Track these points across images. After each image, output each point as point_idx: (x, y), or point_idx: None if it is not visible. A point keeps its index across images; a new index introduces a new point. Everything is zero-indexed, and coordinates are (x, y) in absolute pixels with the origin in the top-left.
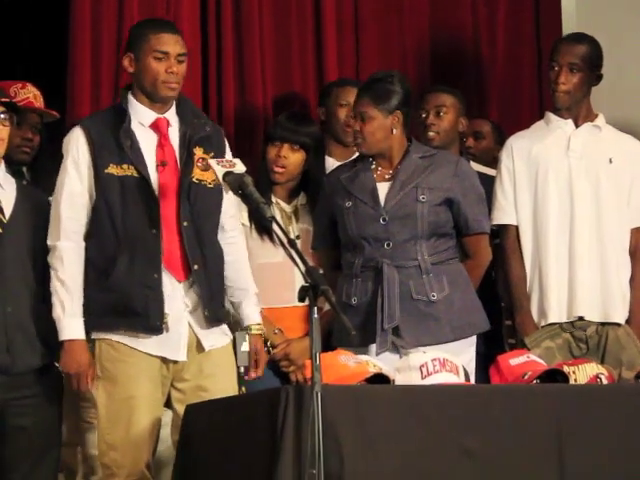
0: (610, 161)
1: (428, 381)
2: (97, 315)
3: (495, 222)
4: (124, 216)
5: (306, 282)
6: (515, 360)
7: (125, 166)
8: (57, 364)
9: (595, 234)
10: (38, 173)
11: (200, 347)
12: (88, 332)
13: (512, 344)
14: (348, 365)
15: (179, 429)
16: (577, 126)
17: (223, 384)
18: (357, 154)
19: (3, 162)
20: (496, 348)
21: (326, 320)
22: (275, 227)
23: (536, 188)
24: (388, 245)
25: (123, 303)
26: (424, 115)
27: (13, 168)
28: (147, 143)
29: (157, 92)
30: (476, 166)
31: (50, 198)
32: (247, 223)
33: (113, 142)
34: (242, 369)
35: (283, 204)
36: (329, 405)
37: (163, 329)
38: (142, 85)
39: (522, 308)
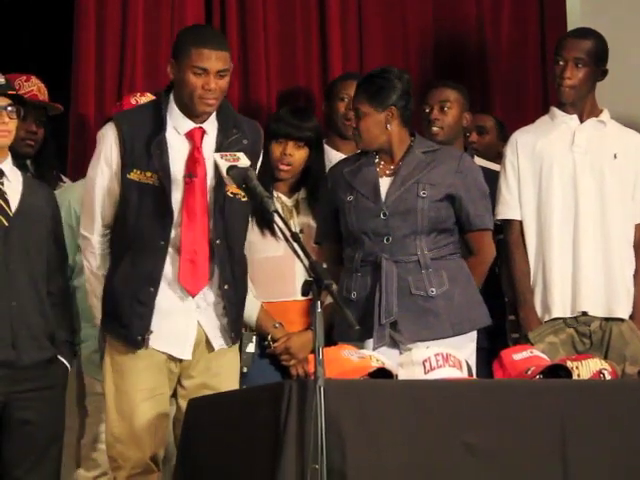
0: (615, 156)
1: (431, 376)
2: (103, 312)
3: (499, 217)
4: (136, 223)
5: (309, 276)
6: (518, 355)
7: (149, 174)
8: (61, 357)
9: (599, 229)
10: (42, 166)
11: (210, 346)
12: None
13: (515, 339)
14: (351, 359)
15: (181, 424)
16: (582, 121)
17: (228, 384)
18: None
19: (10, 155)
20: (499, 343)
21: (327, 313)
22: (278, 221)
23: (540, 183)
24: (388, 240)
25: (113, 310)
26: (428, 110)
27: (17, 161)
28: (179, 152)
29: (193, 106)
30: (480, 161)
31: (55, 192)
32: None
33: (143, 147)
34: (245, 369)
35: (284, 198)
36: (332, 400)
37: (143, 345)
38: (180, 95)
39: (526, 303)
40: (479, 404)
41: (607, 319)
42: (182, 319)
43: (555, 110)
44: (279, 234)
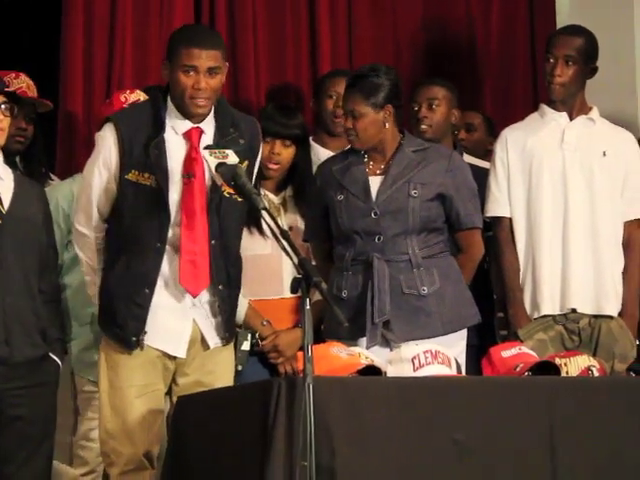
0: (604, 154)
1: (420, 373)
2: (99, 309)
3: (489, 214)
4: (132, 224)
5: (298, 274)
6: (507, 352)
7: (146, 175)
8: (52, 355)
9: (589, 227)
10: (31, 163)
11: (205, 344)
12: None
13: (504, 336)
14: (340, 357)
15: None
16: (571, 119)
17: (222, 381)
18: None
19: (1, 153)
20: (488, 340)
21: (315, 311)
22: (268, 218)
23: (530, 180)
24: (379, 239)
25: (108, 309)
26: (416, 108)
27: (6, 158)
28: (177, 152)
29: (185, 107)
30: (469, 158)
31: (46, 189)
32: None
33: (141, 147)
34: (240, 367)
35: (271, 196)
36: (321, 397)
37: (137, 346)
38: (174, 97)
39: (515, 300)
40: (468, 401)
41: (596, 316)
42: (177, 317)
43: (545, 107)
44: (268, 232)
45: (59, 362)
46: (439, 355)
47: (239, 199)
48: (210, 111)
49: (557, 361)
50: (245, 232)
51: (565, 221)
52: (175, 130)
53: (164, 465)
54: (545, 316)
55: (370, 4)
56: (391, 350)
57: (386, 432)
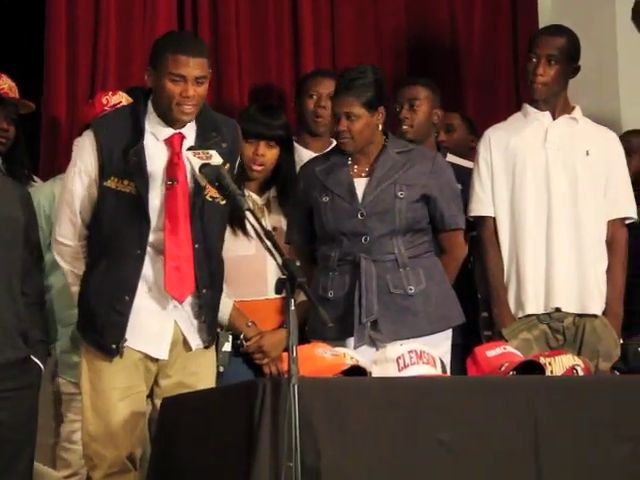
0: (587, 153)
1: (405, 373)
2: (79, 314)
3: (472, 214)
4: (111, 231)
5: (283, 274)
6: (492, 352)
7: (126, 182)
8: (34, 358)
9: (572, 226)
10: (13, 165)
11: (187, 346)
12: None
13: (488, 336)
14: (325, 357)
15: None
16: (554, 118)
17: (204, 383)
18: (332, 146)
19: None
20: (473, 340)
21: (300, 311)
22: (252, 219)
23: (514, 180)
24: (366, 240)
25: (88, 315)
26: (398, 108)
27: None
28: (159, 158)
29: (171, 114)
30: (453, 158)
31: (29, 190)
32: None
33: (121, 154)
34: (221, 368)
35: (255, 197)
36: (306, 397)
37: (117, 353)
38: (158, 103)
39: (499, 299)
40: (453, 401)
41: (580, 315)
42: (159, 319)
43: (528, 107)
44: (252, 232)
45: (41, 365)
46: (424, 355)
47: (221, 202)
48: (194, 118)
49: (542, 360)
50: (229, 233)
51: (549, 220)
52: (156, 136)
53: (150, 467)
54: (529, 315)
55: (353, 4)
56: (377, 350)
57: (371, 432)
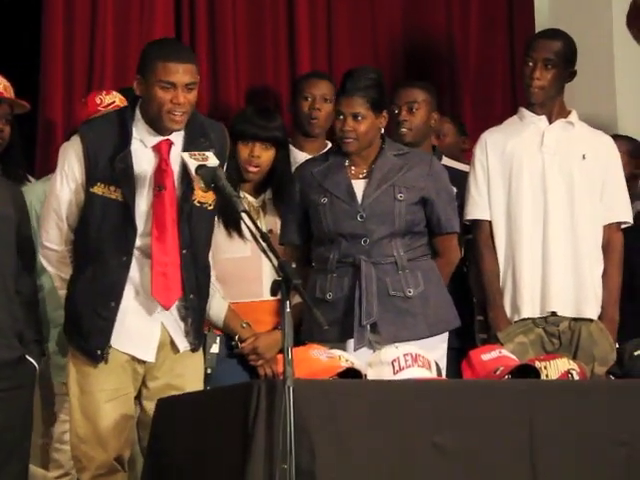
0: (583, 157)
1: (400, 376)
2: (65, 318)
3: (468, 217)
4: (98, 237)
5: (278, 276)
6: (487, 355)
7: (112, 188)
8: (29, 357)
9: (569, 230)
10: (9, 165)
11: (174, 347)
12: None
13: (483, 339)
14: (320, 359)
15: (144, 425)
16: (550, 122)
17: (192, 384)
18: (328, 147)
19: None
20: (468, 343)
21: (295, 313)
22: (248, 221)
23: (510, 184)
24: (365, 242)
25: (73, 320)
26: (396, 111)
27: None
28: (146, 165)
29: (161, 122)
30: (449, 161)
31: (23, 189)
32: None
33: (107, 160)
34: (209, 370)
35: (250, 198)
36: (301, 400)
37: (102, 359)
38: (147, 111)
39: (495, 303)
40: (448, 404)
41: (576, 319)
42: (146, 321)
43: (524, 111)
44: (248, 234)
45: (36, 364)
46: (419, 358)
47: (209, 208)
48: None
49: (537, 364)
50: (224, 235)
51: (545, 224)
52: (144, 143)
53: (145, 468)
54: (525, 319)
55: (349, 7)
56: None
57: (366, 435)
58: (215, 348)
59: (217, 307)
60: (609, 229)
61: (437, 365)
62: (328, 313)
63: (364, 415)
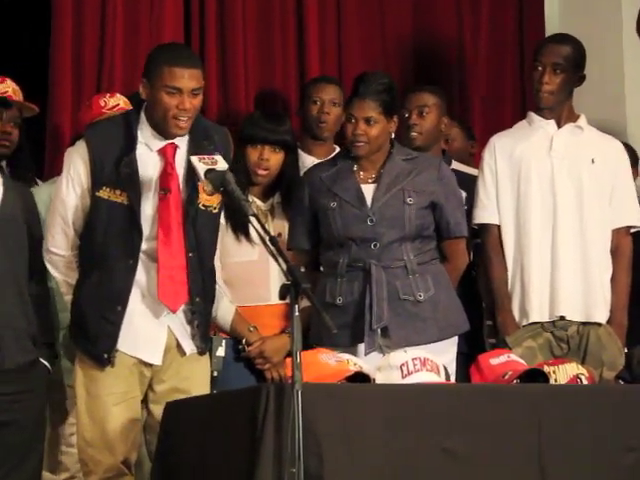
0: (592, 161)
1: (408, 380)
2: (71, 322)
3: (477, 221)
4: (104, 242)
5: (286, 280)
6: (496, 359)
7: (118, 192)
8: (42, 360)
9: (577, 234)
10: (17, 168)
11: (181, 350)
12: None
13: (492, 344)
14: (329, 364)
15: (151, 428)
16: (559, 126)
17: (198, 387)
18: (336, 152)
19: None
20: (477, 347)
21: (303, 317)
22: (256, 225)
23: (519, 188)
24: (375, 246)
25: (79, 325)
26: (406, 115)
27: None
28: (152, 168)
29: (166, 127)
30: (458, 165)
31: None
32: (223, 221)
33: (113, 164)
34: (215, 373)
35: (259, 202)
36: (309, 403)
37: (109, 363)
38: (153, 115)
39: (503, 307)
40: (456, 408)
41: (585, 324)
42: (153, 324)
43: (533, 115)
44: (256, 238)
45: (49, 367)
46: (428, 362)
47: (214, 211)
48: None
49: (546, 369)
50: (232, 239)
51: (554, 228)
52: (149, 147)
53: (153, 471)
54: (534, 323)
55: (359, 12)
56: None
57: (374, 439)
58: (221, 351)
59: (224, 311)
60: (618, 233)
61: (446, 369)
62: (338, 317)
63: (373, 419)
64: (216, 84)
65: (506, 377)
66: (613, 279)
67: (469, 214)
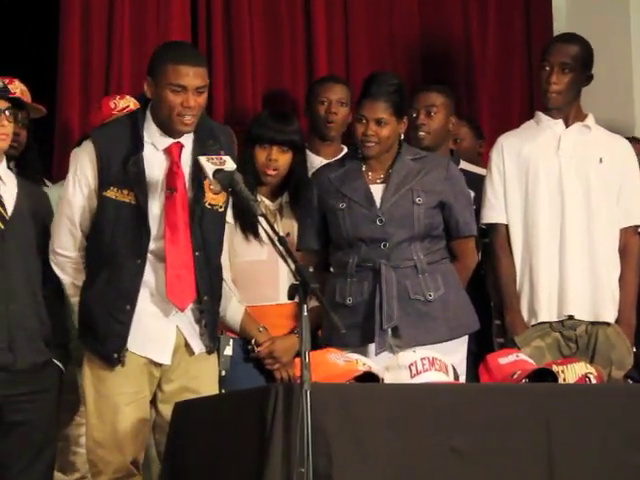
0: (600, 161)
1: (417, 380)
2: (79, 323)
3: (485, 221)
4: (111, 241)
5: (295, 280)
6: (504, 359)
7: (125, 191)
8: (55, 360)
9: (585, 234)
10: (25, 169)
11: (189, 350)
12: None
13: (501, 344)
14: (337, 363)
15: (160, 428)
16: (567, 126)
17: (207, 386)
18: (343, 152)
19: (4, 158)
20: (486, 347)
21: (312, 317)
22: (265, 225)
23: (526, 187)
24: (385, 246)
25: (88, 325)
26: (414, 114)
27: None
28: (158, 168)
29: (171, 125)
30: (466, 165)
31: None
32: (231, 221)
33: (120, 164)
34: (223, 372)
35: (267, 202)
36: (318, 403)
37: (119, 363)
38: (157, 113)
39: (512, 307)
40: (465, 408)
41: (593, 323)
42: (161, 324)
43: (540, 115)
44: (265, 238)
45: (62, 367)
46: (436, 362)
47: (220, 210)
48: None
49: (554, 368)
50: (241, 238)
51: (562, 228)
52: (155, 146)
53: (161, 471)
54: (542, 323)
55: (366, 11)
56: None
57: (383, 439)
58: (229, 350)
59: (233, 311)
60: (626, 232)
61: (454, 369)
62: (348, 318)
63: (381, 419)
64: (223, 84)
65: (515, 376)
66: (621, 278)
67: (477, 214)
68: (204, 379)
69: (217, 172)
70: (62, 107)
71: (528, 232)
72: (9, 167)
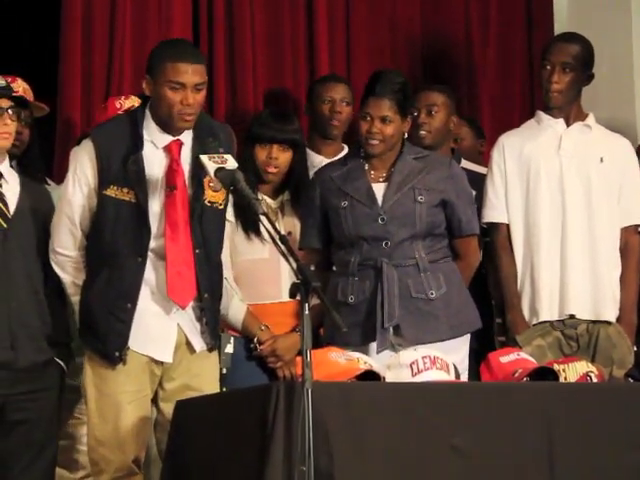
0: (601, 160)
1: (418, 378)
2: (80, 322)
3: (486, 220)
4: (112, 240)
5: (297, 278)
6: (505, 358)
7: (125, 190)
8: (57, 359)
9: (586, 233)
10: (27, 167)
11: (190, 348)
12: None
13: (502, 342)
14: (338, 362)
15: (162, 427)
16: (568, 125)
17: (209, 384)
18: (345, 151)
19: (7, 157)
20: (487, 346)
21: (313, 315)
22: (267, 223)
23: (527, 186)
24: (386, 244)
25: (89, 324)
26: (415, 113)
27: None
28: (157, 165)
29: (171, 122)
30: (467, 164)
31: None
32: (233, 220)
33: (120, 162)
34: (224, 370)
35: (269, 200)
36: (319, 402)
37: (120, 361)
38: (157, 111)
39: (513, 306)
40: (466, 407)
41: (594, 322)
42: (162, 322)
43: (541, 114)
44: (266, 236)
45: (64, 366)
46: (437, 361)
47: (220, 207)
48: (193, 125)
49: (555, 367)
50: (243, 237)
51: (563, 227)
52: (155, 144)
53: (163, 469)
54: (543, 322)
55: (368, 11)
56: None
57: (384, 437)
58: (229, 348)
59: (236, 309)
60: (627, 232)
61: (455, 368)
62: (350, 316)
63: (382, 417)
64: (224, 83)
65: (516, 375)
66: (622, 277)
67: (478, 213)
68: (206, 377)
69: (219, 170)
70: (63, 106)
71: (529, 231)
72: (11, 165)
